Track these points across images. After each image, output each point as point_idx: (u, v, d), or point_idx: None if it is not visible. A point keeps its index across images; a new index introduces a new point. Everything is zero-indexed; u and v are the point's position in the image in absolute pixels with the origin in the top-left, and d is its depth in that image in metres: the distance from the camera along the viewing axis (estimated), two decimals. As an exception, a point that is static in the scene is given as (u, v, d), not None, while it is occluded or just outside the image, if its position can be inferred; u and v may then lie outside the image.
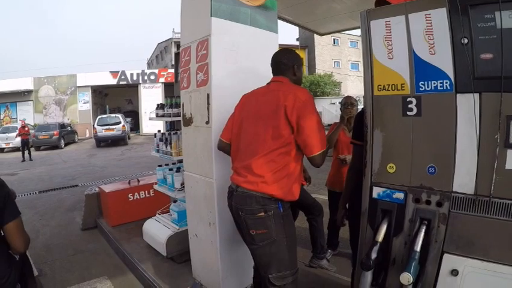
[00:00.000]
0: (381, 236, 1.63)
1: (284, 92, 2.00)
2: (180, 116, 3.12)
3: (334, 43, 36.86)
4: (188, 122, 2.92)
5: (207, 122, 2.64)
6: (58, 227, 5.41)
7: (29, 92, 25.80)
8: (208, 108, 2.61)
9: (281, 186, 1.97)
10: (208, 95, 2.59)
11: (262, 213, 1.95)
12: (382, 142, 1.72)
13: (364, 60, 1.77)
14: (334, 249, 3.76)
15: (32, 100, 25.98)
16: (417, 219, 1.61)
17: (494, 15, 1.43)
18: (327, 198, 3.79)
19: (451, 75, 1.52)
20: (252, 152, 2.04)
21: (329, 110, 23.90)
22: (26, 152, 14.77)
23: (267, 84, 2.20)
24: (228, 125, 2.30)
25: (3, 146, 18.82)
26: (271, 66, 2.24)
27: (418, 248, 1.52)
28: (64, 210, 6.36)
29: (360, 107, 2.29)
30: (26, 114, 24.93)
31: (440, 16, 1.53)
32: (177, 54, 3.30)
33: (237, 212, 2.07)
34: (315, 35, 7.23)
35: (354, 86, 35.54)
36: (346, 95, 6.45)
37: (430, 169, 1.58)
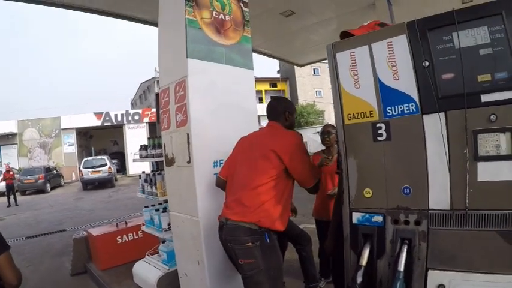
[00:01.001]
0: (364, 260, 1.64)
1: (274, 135, 2.22)
2: (163, 156, 3.15)
3: (314, 73, 37.73)
4: (170, 162, 2.94)
5: (189, 162, 2.66)
6: (47, 273, 5.25)
7: (13, 135, 25.33)
8: (189, 148, 2.64)
9: (268, 215, 2.10)
10: (188, 134, 2.63)
11: (250, 244, 2.06)
12: (356, 168, 1.76)
13: (333, 91, 1.84)
14: (327, 277, 3.71)
15: (16, 143, 25.47)
16: (398, 240, 1.63)
17: (452, 36, 1.51)
18: (315, 227, 3.79)
19: (416, 98, 1.58)
20: (242, 186, 2.19)
21: (314, 139, 24.07)
22: (11, 197, 14.34)
23: (263, 127, 2.42)
24: (225, 163, 2.47)
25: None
26: (266, 112, 2.42)
27: (401, 268, 1.53)
28: (52, 255, 6.18)
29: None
30: (10, 157, 24.30)
31: (401, 43, 1.62)
32: (157, 95, 3.36)
33: (226, 244, 2.17)
34: (295, 67, 7.43)
35: (336, 113, 35.86)
36: (329, 122, 6.55)
37: (405, 190, 1.62)
